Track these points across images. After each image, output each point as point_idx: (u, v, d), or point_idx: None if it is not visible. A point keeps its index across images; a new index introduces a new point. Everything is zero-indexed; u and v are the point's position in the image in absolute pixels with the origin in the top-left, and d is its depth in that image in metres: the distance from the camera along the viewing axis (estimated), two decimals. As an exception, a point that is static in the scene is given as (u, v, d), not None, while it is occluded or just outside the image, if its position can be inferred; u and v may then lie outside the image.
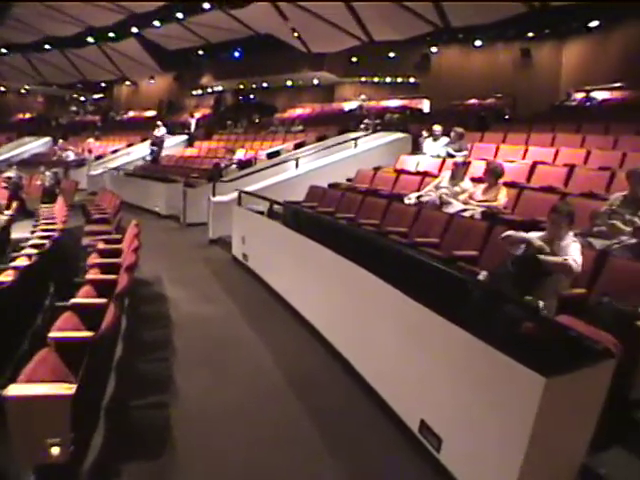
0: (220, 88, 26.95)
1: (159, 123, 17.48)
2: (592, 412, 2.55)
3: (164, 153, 17.39)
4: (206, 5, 18.05)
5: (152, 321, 5.42)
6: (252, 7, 17.46)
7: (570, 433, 2.56)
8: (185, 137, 19.75)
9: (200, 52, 24.43)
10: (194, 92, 28.12)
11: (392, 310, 3.70)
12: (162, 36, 21.59)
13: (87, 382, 2.51)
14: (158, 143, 17.00)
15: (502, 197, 5.87)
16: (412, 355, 3.39)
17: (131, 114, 29.39)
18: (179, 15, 19.24)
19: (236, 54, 24.23)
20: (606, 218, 4.40)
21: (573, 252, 3.56)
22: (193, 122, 20.63)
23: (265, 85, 26.07)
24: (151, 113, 27.24)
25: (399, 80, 22.15)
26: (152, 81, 28.60)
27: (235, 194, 8.42)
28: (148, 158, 17.00)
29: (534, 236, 3.77)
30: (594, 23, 16.62)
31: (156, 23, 19.99)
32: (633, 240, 4.06)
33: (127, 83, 30.52)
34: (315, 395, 3.93)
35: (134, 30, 21.18)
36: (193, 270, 7.49)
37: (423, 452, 3.08)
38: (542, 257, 3.46)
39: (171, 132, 19.44)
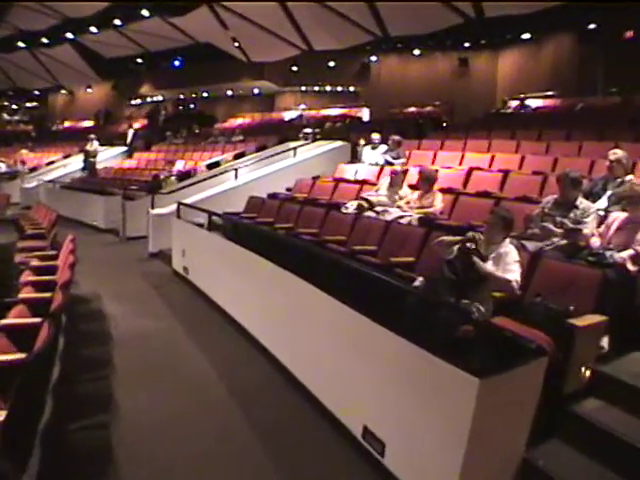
0: (160, 98, 26.50)
1: (92, 137, 16.88)
2: (528, 408, 2.65)
3: (100, 166, 16.82)
4: (145, 12, 17.69)
5: (91, 339, 5.25)
6: (192, 15, 17.25)
7: (508, 430, 2.65)
8: (124, 148, 19.18)
9: (139, 60, 23.92)
10: (133, 102, 27.51)
11: (331, 320, 3.73)
12: (100, 43, 20.98)
13: (19, 407, 2.38)
14: (92, 156, 16.45)
15: (438, 203, 5.96)
16: (352, 363, 3.43)
17: (67, 124, 28.45)
18: (117, 22, 18.76)
19: (176, 63, 23.91)
20: (539, 221, 4.56)
21: (513, 266, 3.54)
22: (130, 133, 20.07)
23: (205, 95, 25.86)
24: (88, 123, 26.46)
25: (339, 89, 22.46)
26: (89, 90, 27.80)
27: (175, 206, 8.27)
28: (82, 173, 16.42)
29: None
30: (526, 35, 17.39)
31: (93, 29, 19.40)
32: (564, 241, 4.22)
33: (63, 92, 29.55)
34: (258, 407, 3.90)
35: (69, 36, 20.48)
36: (133, 285, 7.30)
37: (368, 458, 3.11)
38: (483, 267, 3.43)
39: (110, 143, 18.88)
